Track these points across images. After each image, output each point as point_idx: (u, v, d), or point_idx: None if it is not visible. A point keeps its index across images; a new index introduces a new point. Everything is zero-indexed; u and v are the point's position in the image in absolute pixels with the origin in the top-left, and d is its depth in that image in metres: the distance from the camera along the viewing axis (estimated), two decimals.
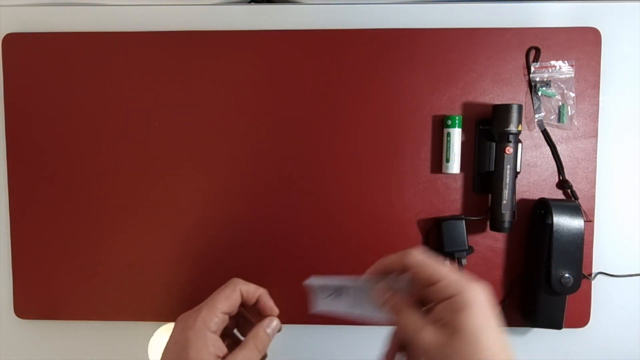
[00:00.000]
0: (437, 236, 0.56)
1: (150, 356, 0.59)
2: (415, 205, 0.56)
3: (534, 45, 0.54)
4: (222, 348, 0.40)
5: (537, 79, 0.55)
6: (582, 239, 0.52)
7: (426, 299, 0.37)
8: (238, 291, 0.43)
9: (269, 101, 0.56)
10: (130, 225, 0.57)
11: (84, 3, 0.57)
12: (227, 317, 0.42)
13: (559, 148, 0.55)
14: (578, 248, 0.52)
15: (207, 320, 0.40)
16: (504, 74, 0.55)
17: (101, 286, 0.57)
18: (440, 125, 0.55)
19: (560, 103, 0.54)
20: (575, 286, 0.52)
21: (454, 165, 0.54)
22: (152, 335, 0.59)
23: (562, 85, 0.54)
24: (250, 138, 0.56)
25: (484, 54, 0.55)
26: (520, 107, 0.52)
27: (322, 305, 0.44)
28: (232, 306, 0.43)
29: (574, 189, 0.55)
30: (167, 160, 0.56)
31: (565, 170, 0.55)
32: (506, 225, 0.53)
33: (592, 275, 0.56)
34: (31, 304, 0.58)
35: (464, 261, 0.55)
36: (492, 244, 0.56)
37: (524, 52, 0.55)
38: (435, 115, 0.55)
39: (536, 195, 0.55)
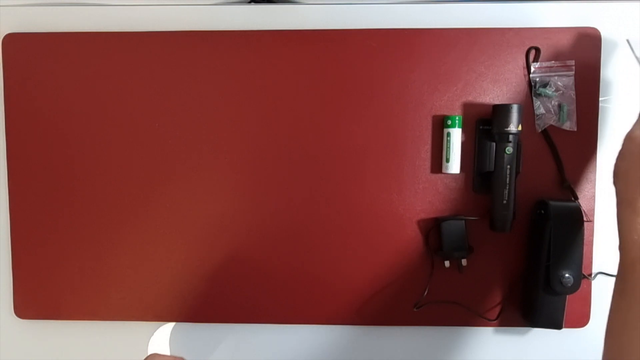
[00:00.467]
0: (437, 236, 0.56)
1: None
2: (415, 205, 0.56)
3: (534, 45, 0.54)
4: None
5: (537, 79, 0.54)
6: (582, 239, 0.52)
7: None
8: None
9: (269, 101, 0.56)
10: (130, 225, 0.57)
11: (84, 3, 0.57)
12: None
13: (559, 148, 0.55)
14: (578, 248, 0.52)
15: None
16: (504, 74, 0.55)
17: (101, 286, 0.57)
18: (440, 125, 0.55)
19: (560, 103, 0.54)
20: (575, 286, 0.52)
21: (454, 165, 0.54)
22: (152, 335, 0.59)
23: (562, 85, 0.54)
24: (249, 138, 0.56)
25: (484, 54, 0.55)
26: (520, 107, 0.52)
27: None
28: None
29: (574, 189, 0.55)
30: (166, 160, 0.56)
31: (565, 170, 0.55)
32: (506, 225, 0.53)
33: (592, 275, 0.56)
34: (31, 304, 0.58)
35: (463, 261, 0.55)
36: (492, 244, 0.56)
37: (524, 52, 0.55)
38: (435, 115, 0.55)
39: (536, 195, 0.55)
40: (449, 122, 0.54)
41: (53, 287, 0.58)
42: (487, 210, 0.55)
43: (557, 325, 0.54)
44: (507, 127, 0.52)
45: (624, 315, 0.40)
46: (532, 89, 0.55)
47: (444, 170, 0.55)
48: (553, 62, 0.54)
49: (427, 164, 0.56)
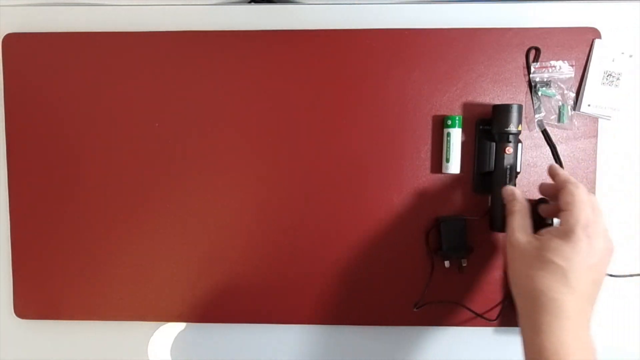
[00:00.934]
0: (437, 236, 0.56)
1: (150, 356, 0.59)
2: (415, 205, 0.56)
3: (534, 45, 0.54)
4: None
5: (537, 79, 0.55)
6: None
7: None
8: None
9: (269, 101, 0.56)
10: (130, 225, 0.57)
11: (84, 3, 0.57)
12: None
13: (559, 148, 0.55)
14: None
15: None
16: (504, 74, 0.55)
17: (101, 286, 0.57)
18: (440, 125, 0.55)
19: (560, 103, 0.55)
20: None
21: (454, 165, 0.54)
22: (152, 335, 0.59)
23: (562, 85, 0.54)
24: (250, 138, 0.56)
25: (484, 54, 0.55)
26: (520, 107, 0.52)
27: None
28: None
29: None
30: (166, 160, 0.56)
31: (565, 170, 0.55)
32: None
33: None
34: (31, 304, 0.58)
35: (463, 261, 0.55)
36: (492, 244, 0.56)
37: (524, 52, 0.55)
38: (435, 115, 0.55)
39: (536, 195, 0.55)
40: (449, 122, 0.54)
41: (53, 287, 0.58)
42: (487, 210, 0.55)
43: None
44: (507, 127, 0.52)
45: None
46: (532, 89, 0.55)
47: (444, 170, 0.55)
48: (553, 62, 0.54)
49: (427, 164, 0.56)
